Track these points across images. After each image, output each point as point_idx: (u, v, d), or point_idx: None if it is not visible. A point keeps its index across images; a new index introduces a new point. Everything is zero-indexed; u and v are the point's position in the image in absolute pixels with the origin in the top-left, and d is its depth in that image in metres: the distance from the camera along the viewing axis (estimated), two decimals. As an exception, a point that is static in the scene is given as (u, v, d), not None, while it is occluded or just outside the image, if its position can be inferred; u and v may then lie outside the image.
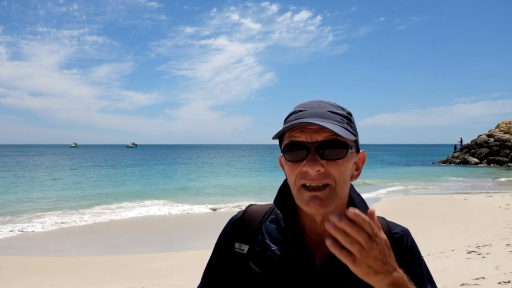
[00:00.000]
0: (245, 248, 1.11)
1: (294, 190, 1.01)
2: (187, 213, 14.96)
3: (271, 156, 79.07)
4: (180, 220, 13.74)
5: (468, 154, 43.36)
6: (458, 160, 43.61)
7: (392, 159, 64.74)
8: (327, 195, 0.96)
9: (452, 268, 6.25)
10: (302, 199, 0.98)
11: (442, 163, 46.65)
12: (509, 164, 39.60)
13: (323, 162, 0.95)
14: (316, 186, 0.96)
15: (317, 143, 0.96)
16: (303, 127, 0.98)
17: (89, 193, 21.04)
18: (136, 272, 7.79)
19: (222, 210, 15.48)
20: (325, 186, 0.96)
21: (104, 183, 27.10)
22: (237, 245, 1.13)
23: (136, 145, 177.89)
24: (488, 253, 7.01)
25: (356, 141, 1.03)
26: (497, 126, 44.67)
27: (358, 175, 1.06)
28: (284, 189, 1.11)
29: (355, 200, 1.08)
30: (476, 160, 41.86)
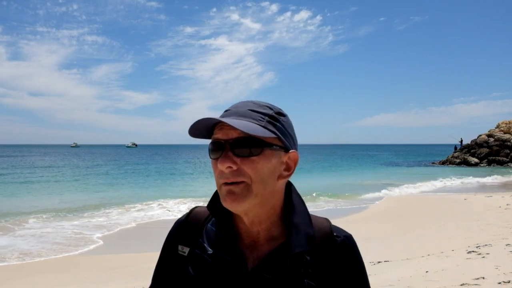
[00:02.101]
0: (186, 250, 1.09)
1: (217, 189, 1.01)
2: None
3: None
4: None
5: (468, 154, 43.37)
6: (458, 160, 43.60)
7: (392, 159, 64.77)
8: (241, 191, 0.96)
9: (452, 268, 6.26)
10: (221, 195, 0.99)
11: (442, 163, 46.63)
12: (509, 164, 39.67)
13: (237, 159, 0.96)
14: (231, 183, 0.96)
15: (231, 140, 0.96)
16: (221, 126, 0.98)
17: (91, 195, 21.12)
18: (136, 272, 7.78)
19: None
20: (241, 182, 0.96)
21: (105, 184, 27.14)
22: (180, 247, 1.10)
23: (136, 145, 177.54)
24: (488, 253, 7.02)
25: (281, 140, 1.00)
26: (497, 126, 44.74)
27: (289, 175, 1.03)
28: None
29: (294, 201, 1.05)
30: (476, 160, 41.87)
